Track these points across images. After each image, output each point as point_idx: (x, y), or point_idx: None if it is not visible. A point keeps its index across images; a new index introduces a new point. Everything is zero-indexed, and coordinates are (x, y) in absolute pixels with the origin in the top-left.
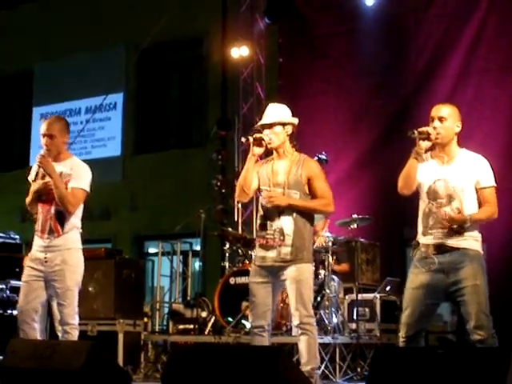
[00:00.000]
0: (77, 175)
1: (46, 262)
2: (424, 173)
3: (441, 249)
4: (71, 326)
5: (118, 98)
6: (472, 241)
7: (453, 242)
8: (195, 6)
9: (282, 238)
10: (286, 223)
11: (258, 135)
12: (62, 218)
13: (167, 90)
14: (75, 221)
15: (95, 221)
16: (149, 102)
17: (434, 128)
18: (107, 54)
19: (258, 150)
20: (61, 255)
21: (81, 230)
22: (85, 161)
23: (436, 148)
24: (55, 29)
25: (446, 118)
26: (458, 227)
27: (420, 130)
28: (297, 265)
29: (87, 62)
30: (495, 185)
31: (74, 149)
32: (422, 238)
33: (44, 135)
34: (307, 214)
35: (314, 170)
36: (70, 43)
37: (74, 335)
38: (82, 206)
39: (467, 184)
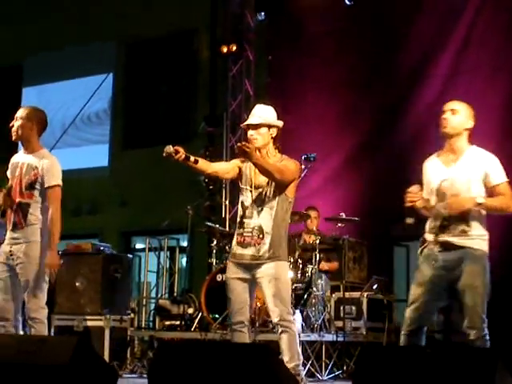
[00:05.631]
0: None
1: (11, 255)
2: (431, 173)
3: (446, 246)
4: (35, 321)
5: (107, 92)
6: (478, 240)
7: (458, 240)
8: (185, 1)
9: (261, 236)
10: (265, 221)
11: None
12: (24, 210)
13: (156, 86)
14: (38, 214)
15: (82, 216)
16: (137, 97)
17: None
18: (96, 48)
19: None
20: (22, 248)
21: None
22: (74, 156)
23: (445, 144)
24: (43, 23)
25: (458, 111)
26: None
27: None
28: (274, 262)
29: (76, 56)
30: (507, 179)
31: (65, 142)
32: (428, 236)
33: None
34: (285, 211)
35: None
36: (59, 38)
37: (39, 330)
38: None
39: (473, 183)
